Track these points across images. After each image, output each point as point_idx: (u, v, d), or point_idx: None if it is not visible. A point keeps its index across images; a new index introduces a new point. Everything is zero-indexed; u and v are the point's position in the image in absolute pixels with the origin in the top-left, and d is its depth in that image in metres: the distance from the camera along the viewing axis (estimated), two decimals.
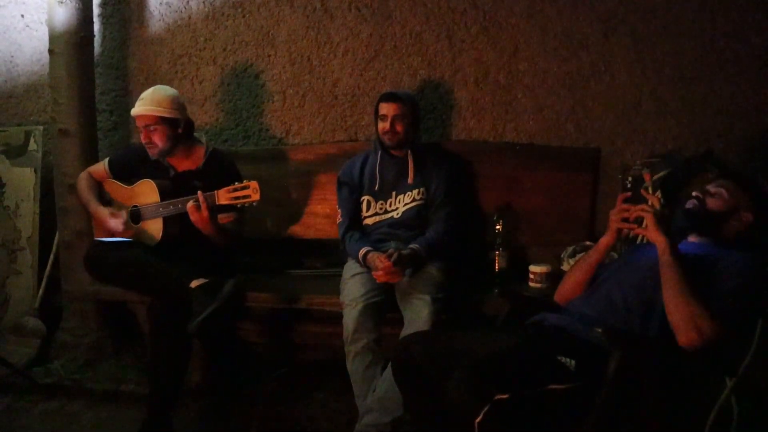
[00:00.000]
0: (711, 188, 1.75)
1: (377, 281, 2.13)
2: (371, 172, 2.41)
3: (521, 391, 1.36)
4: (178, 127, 2.33)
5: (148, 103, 2.29)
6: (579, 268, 1.85)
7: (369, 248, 2.23)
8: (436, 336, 1.74)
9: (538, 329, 1.69)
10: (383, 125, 2.34)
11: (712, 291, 1.50)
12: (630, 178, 2.43)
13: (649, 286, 1.58)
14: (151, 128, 2.29)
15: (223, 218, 2.28)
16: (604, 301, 1.66)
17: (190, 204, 2.13)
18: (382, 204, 2.40)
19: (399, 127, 2.32)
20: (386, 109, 2.33)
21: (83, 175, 2.52)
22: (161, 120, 2.29)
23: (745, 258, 1.59)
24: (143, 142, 2.33)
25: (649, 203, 1.63)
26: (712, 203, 1.71)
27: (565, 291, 1.87)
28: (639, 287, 1.61)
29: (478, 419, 1.31)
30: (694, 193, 1.76)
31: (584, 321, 1.61)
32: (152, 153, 2.33)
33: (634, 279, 1.65)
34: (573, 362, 1.46)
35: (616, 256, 2.32)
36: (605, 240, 1.78)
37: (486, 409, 1.31)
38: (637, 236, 2.31)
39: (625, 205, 1.69)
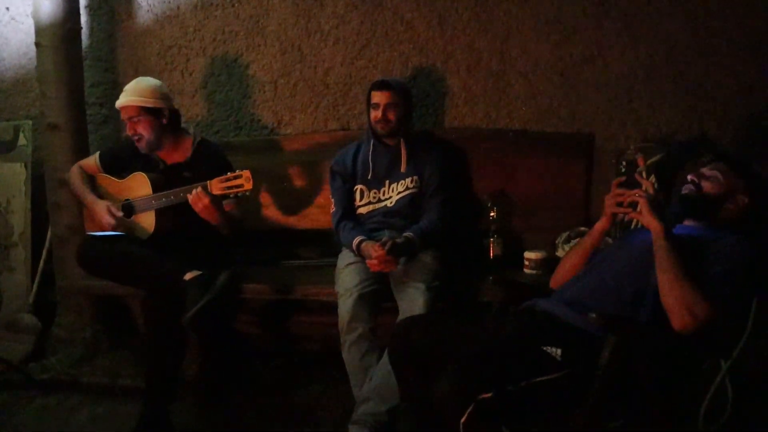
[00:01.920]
0: (706, 171, 1.74)
1: (371, 270, 2.12)
2: (364, 161, 2.40)
3: (504, 389, 1.38)
4: (162, 117, 2.31)
5: (130, 94, 2.28)
6: (574, 253, 1.86)
7: (363, 237, 2.22)
8: (434, 321, 1.75)
9: (530, 315, 1.69)
10: (375, 114, 2.32)
11: (707, 274, 1.50)
12: (624, 163, 2.42)
13: (641, 271, 1.57)
14: (135, 119, 2.28)
15: (226, 205, 2.27)
16: (596, 284, 1.66)
17: (194, 192, 2.12)
18: (375, 193, 2.39)
19: (391, 116, 2.31)
20: (378, 97, 2.31)
21: (75, 168, 2.50)
22: (144, 110, 2.27)
23: (739, 240, 1.59)
24: (130, 134, 2.31)
25: (643, 188, 1.63)
26: (707, 186, 1.70)
27: (560, 277, 1.87)
28: (631, 272, 1.61)
29: (462, 419, 1.33)
30: (689, 177, 1.75)
31: (576, 306, 1.60)
32: (140, 146, 2.32)
33: (626, 263, 1.65)
34: (559, 351, 1.46)
35: (610, 240, 2.32)
36: (600, 225, 1.78)
37: (470, 408, 1.33)
38: (632, 221, 2.32)
39: (619, 190, 1.69)
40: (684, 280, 1.45)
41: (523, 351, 1.52)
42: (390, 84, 2.31)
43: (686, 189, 1.73)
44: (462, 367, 1.44)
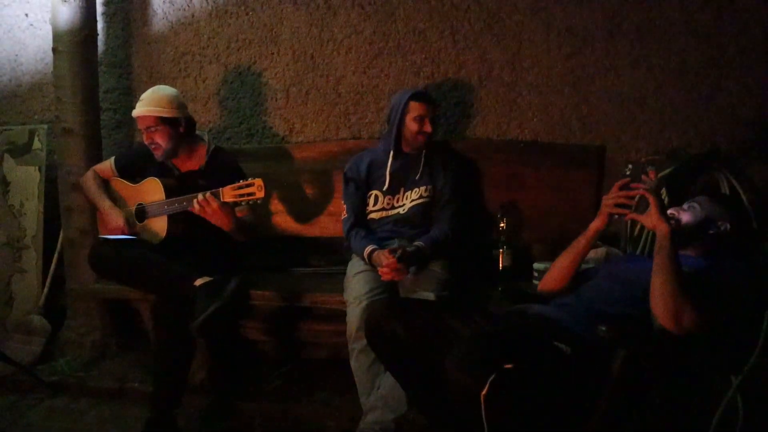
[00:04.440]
0: (685, 206, 1.79)
1: (382, 279, 2.12)
2: (381, 171, 2.38)
3: (526, 360, 1.34)
4: (179, 126, 2.33)
5: (147, 104, 2.29)
6: (567, 254, 1.84)
7: (374, 247, 2.21)
8: (412, 310, 1.74)
9: (521, 318, 1.67)
10: (419, 126, 2.29)
11: (701, 291, 1.49)
12: (630, 166, 2.41)
13: (640, 294, 1.56)
14: (152, 129, 2.29)
15: (239, 211, 2.28)
16: (603, 296, 1.65)
17: (198, 200, 2.12)
18: (389, 199, 2.38)
19: (431, 128, 2.31)
20: (422, 109, 2.30)
21: (89, 173, 2.53)
22: (162, 120, 2.29)
23: (733, 264, 1.61)
24: (147, 143, 2.33)
25: (649, 183, 1.61)
26: (685, 217, 1.74)
27: (551, 278, 1.86)
28: (629, 296, 1.61)
29: (483, 391, 1.28)
30: (669, 212, 1.77)
31: (582, 315, 1.59)
32: (157, 155, 2.33)
33: (625, 287, 1.65)
34: (569, 349, 1.45)
35: (619, 252, 2.31)
36: (594, 225, 1.77)
37: (492, 378, 1.28)
38: (642, 234, 2.31)
39: (621, 192, 1.68)
40: (677, 286, 1.46)
41: (535, 338, 1.50)
42: (431, 96, 2.35)
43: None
44: (476, 339, 1.41)
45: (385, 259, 2.09)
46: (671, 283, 1.46)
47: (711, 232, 1.72)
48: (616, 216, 1.72)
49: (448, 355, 1.39)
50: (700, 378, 1.63)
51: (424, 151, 2.37)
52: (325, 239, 2.76)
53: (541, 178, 2.58)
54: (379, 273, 2.12)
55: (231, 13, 2.93)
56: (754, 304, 1.61)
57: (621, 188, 1.69)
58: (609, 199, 1.71)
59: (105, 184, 2.50)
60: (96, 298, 2.79)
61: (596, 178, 2.57)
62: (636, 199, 1.65)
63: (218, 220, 2.15)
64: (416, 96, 2.31)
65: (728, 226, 1.72)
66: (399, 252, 2.09)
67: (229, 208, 2.16)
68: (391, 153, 2.36)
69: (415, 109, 2.29)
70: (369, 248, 2.22)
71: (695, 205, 1.76)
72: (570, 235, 2.49)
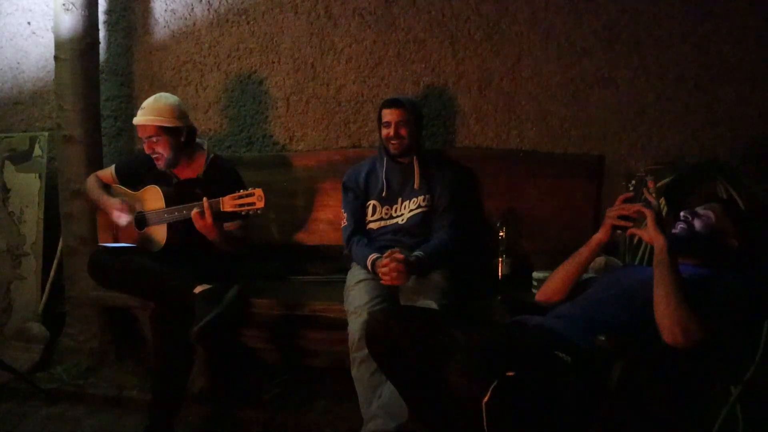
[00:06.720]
0: (699, 210, 1.78)
1: (383, 284, 2.13)
2: (378, 179, 2.40)
3: (527, 368, 1.34)
4: (181, 135, 2.33)
5: (149, 112, 2.28)
6: (568, 265, 1.84)
7: (378, 255, 2.21)
8: (413, 317, 1.74)
9: (521, 329, 1.67)
10: (387, 132, 2.34)
11: (702, 301, 1.50)
12: (633, 182, 2.43)
13: (638, 304, 1.56)
14: (153, 139, 2.29)
15: (228, 225, 2.28)
16: (601, 306, 1.65)
17: (195, 211, 2.13)
18: (387, 209, 2.40)
19: (403, 132, 2.33)
20: (389, 115, 2.33)
21: (91, 177, 2.54)
22: (163, 130, 2.28)
23: (736, 277, 1.61)
24: (148, 153, 2.33)
25: (650, 201, 1.63)
26: (698, 225, 1.74)
27: (550, 288, 1.86)
28: (628, 306, 1.61)
29: (485, 399, 1.28)
30: (682, 214, 1.78)
31: (580, 325, 1.59)
32: (160, 165, 2.33)
33: (624, 297, 1.65)
34: (569, 358, 1.45)
35: (619, 263, 2.32)
36: (598, 237, 1.78)
37: (494, 385, 1.28)
38: (640, 245, 2.32)
39: (624, 205, 1.70)
40: (681, 297, 1.45)
41: (535, 346, 1.50)
42: (401, 101, 2.34)
43: (678, 228, 1.75)
44: (477, 347, 1.41)
45: (387, 259, 2.10)
46: (675, 295, 1.45)
47: (718, 247, 1.72)
48: (619, 231, 1.73)
49: (450, 362, 1.39)
50: (699, 388, 1.63)
51: (414, 158, 2.39)
52: (325, 247, 2.77)
53: (540, 187, 2.59)
54: (380, 274, 2.12)
55: (232, 22, 2.95)
56: (754, 314, 1.61)
57: (625, 201, 1.71)
58: (612, 212, 1.71)
59: (106, 188, 2.51)
60: (95, 305, 2.79)
61: (595, 188, 2.57)
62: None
63: (207, 231, 2.16)
64: (385, 103, 2.37)
65: (736, 243, 1.72)
66: (402, 257, 2.09)
67: (220, 222, 2.16)
68: (385, 160, 2.39)
69: (384, 115, 2.36)
70: (373, 256, 2.22)
71: (710, 214, 1.75)
72: (569, 244, 2.51)
